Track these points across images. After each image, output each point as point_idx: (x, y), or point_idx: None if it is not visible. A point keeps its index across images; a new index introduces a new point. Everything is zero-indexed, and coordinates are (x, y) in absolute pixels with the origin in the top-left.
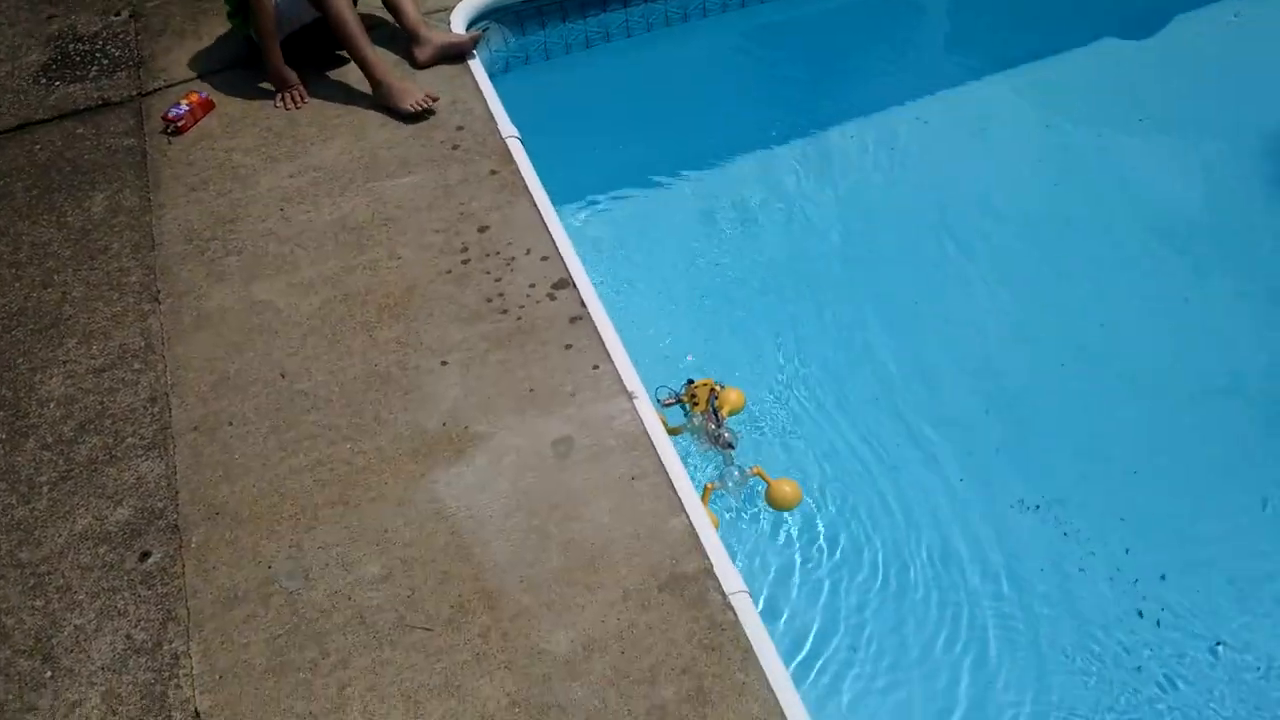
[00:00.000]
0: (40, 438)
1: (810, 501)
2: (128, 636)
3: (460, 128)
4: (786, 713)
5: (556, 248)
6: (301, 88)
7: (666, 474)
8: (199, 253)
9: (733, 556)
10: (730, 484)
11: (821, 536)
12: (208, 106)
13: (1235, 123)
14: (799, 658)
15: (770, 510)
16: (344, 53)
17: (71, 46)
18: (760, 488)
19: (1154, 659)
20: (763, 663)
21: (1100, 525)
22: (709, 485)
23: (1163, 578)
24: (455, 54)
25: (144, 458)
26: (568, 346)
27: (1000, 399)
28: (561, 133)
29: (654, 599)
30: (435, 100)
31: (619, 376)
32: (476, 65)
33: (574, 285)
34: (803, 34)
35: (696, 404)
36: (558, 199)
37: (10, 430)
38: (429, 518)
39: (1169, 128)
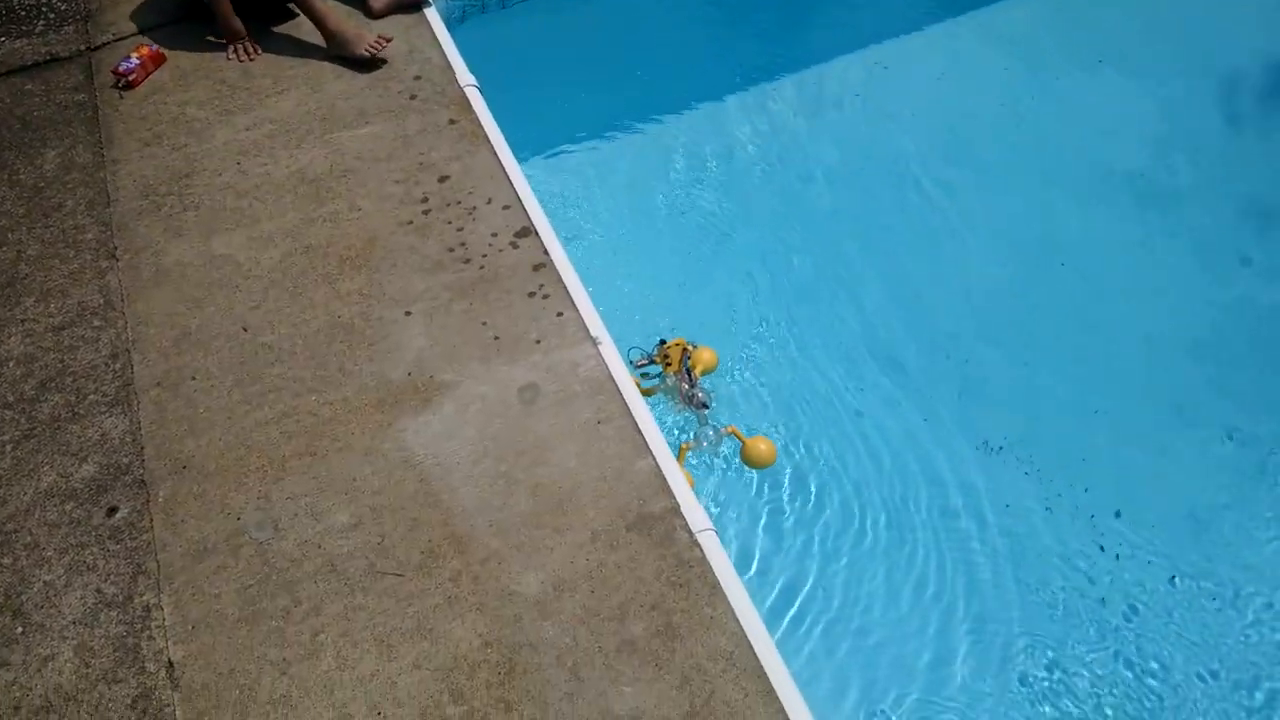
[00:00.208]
0: (1, 396)
1: (777, 447)
2: (98, 591)
3: (418, 77)
4: (754, 645)
5: (518, 196)
6: (253, 38)
7: (632, 417)
8: (155, 208)
9: (699, 497)
10: (705, 444)
11: (788, 479)
12: (159, 60)
13: (1193, 63)
14: (769, 600)
15: (746, 468)
16: (293, 4)
17: (16, 1)
18: (736, 446)
19: (1116, 591)
20: (730, 597)
21: (1062, 465)
22: (684, 445)
23: (1118, 514)
24: (411, 3)
25: (107, 414)
26: (531, 294)
27: (963, 343)
28: (520, 82)
29: (622, 539)
30: (388, 41)
31: (583, 323)
32: (433, 14)
33: (536, 234)
34: None
35: (669, 364)
36: (518, 148)
37: None
38: (397, 466)
39: (1127, 69)
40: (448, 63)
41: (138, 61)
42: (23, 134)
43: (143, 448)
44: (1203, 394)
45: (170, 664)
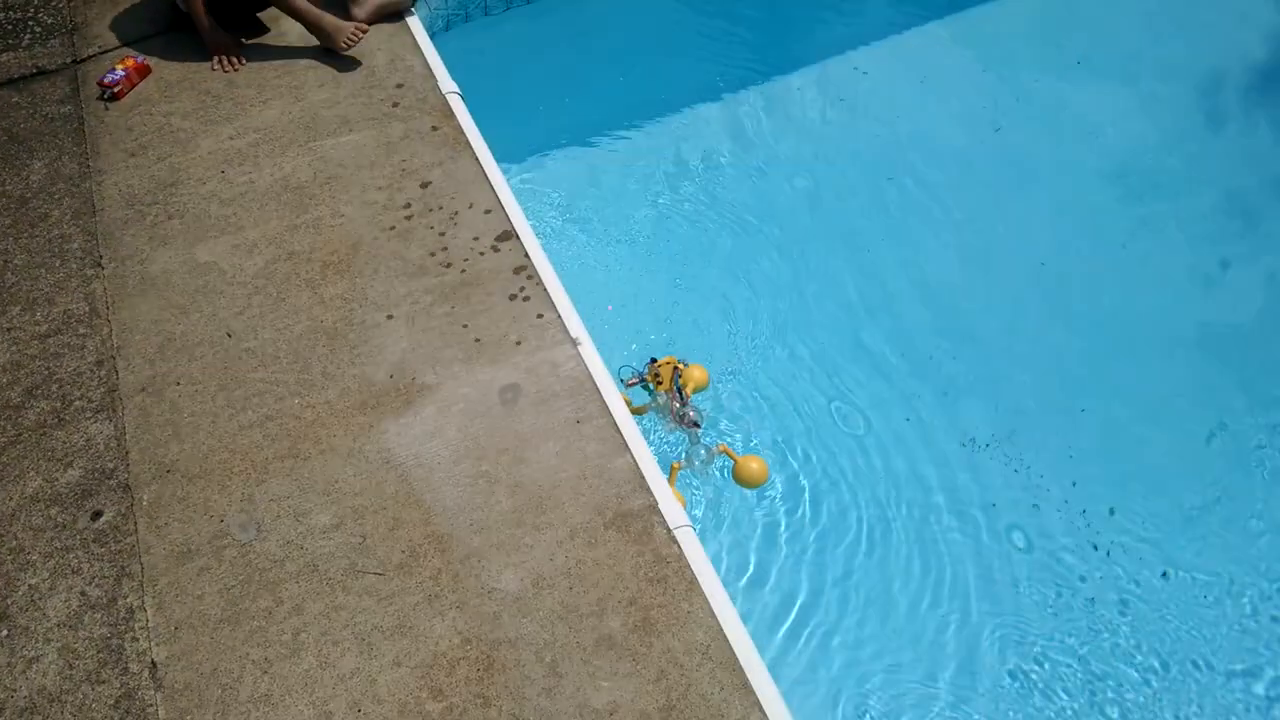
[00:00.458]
0: None
1: (762, 446)
2: (82, 593)
3: (400, 85)
4: (730, 639)
5: (499, 201)
6: (237, 50)
7: (611, 416)
8: (140, 217)
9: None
10: (697, 463)
11: (773, 479)
12: (144, 71)
13: (1172, 62)
14: (761, 600)
15: (739, 487)
16: (278, 6)
17: (2, 15)
18: (728, 465)
19: (1107, 587)
20: (707, 593)
21: (1049, 461)
22: (675, 464)
23: (1111, 512)
24: (393, 11)
25: (93, 420)
26: (512, 297)
27: (947, 341)
28: (505, 89)
29: (601, 536)
30: (365, 32)
31: (563, 324)
32: (415, 23)
33: (517, 237)
34: None
35: (660, 383)
36: (501, 154)
37: None
38: (378, 467)
39: (1105, 70)
40: (430, 70)
41: (123, 73)
42: (9, 146)
43: (127, 452)
44: (1189, 389)
45: (153, 664)
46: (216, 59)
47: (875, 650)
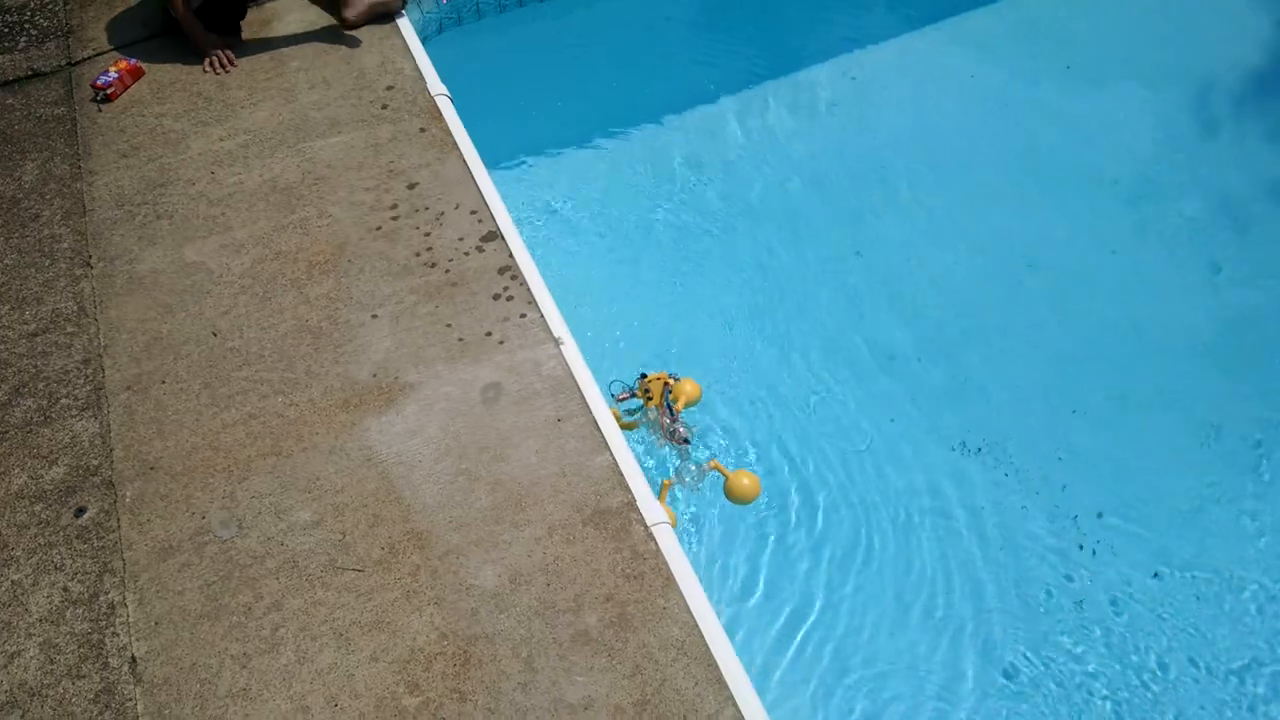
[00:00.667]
0: None
1: (752, 451)
2: (64, 589)
3: (390, 87)
4: (705, 634)
5: (485, 202)
6: (229, 51)
7: (592, 414)
8: (130, 217)
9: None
10: (687, 479)
11: (751, 463)
12: (137, 73)
13: (1161, 68)
14: (751, 601)
15: (731, 504)
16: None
17: None
18: (719, 482)
19: (1096, 588)
20: (683, 589)
21: (1040, 464)
22: (665, 481)
23: (1099, 515)
24: (384, 12)
25: (78, 418)
26: (496, 296)
27: (938, 345)
28: (496, 92)
29: (579, 533)
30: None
31: (546, 323)
32: (405, 25)
33: (502, 237)
34: None
35: (651, 398)
36: (491, 156)
37: None
38: (360, 464)
39: (1096, 75)
40: (419, 73)
41: (116, 75)
42: (3, 147)
43: (112, 450)
44: (1181, 391)
45: (133, 659)
46: (208, 60)
47: (865, 650)
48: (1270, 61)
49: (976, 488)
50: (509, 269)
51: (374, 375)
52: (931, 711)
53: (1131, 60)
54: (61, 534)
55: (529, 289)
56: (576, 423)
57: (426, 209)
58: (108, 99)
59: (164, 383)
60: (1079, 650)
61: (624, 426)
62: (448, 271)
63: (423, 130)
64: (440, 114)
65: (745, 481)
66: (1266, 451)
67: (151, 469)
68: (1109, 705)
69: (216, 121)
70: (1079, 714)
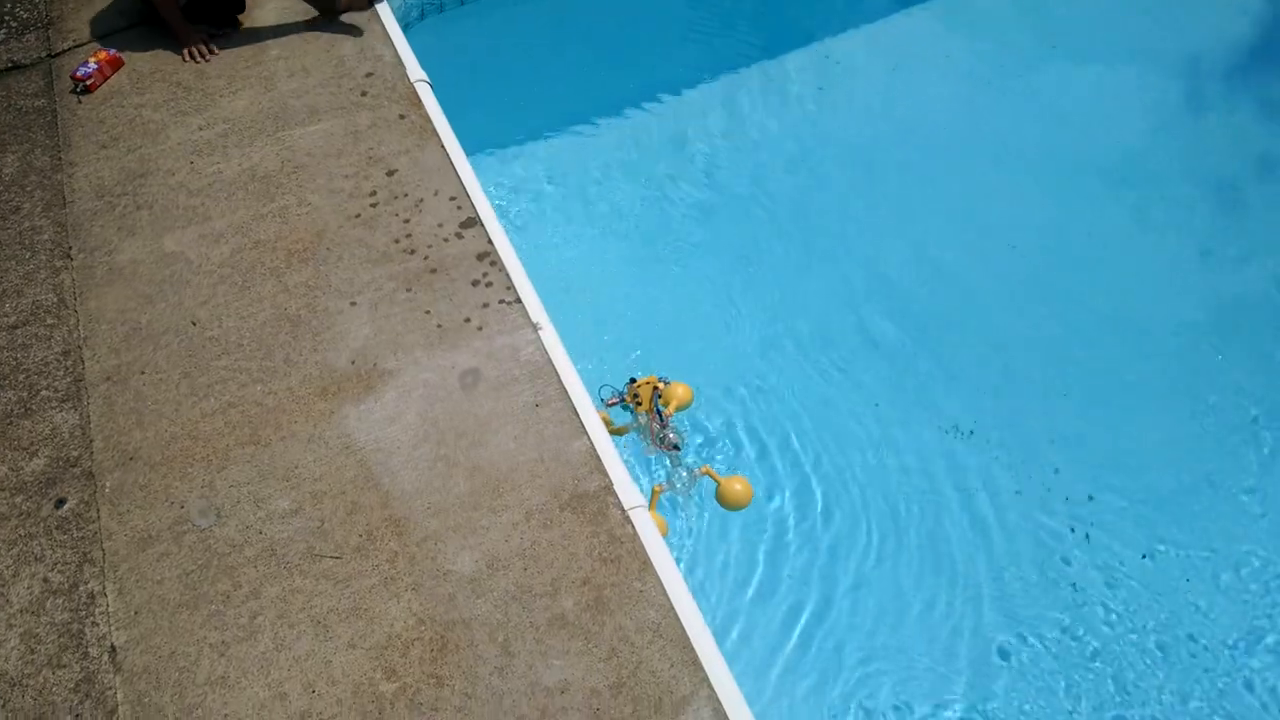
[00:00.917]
0: None
1: (742, 436)
2: (45, 580)
3: (370, 74)
4: (681, 616)
5: (464, 188)
6: (208, 41)
7: (570, 400)
8: (110, 208)
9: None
10: (678, 485)
11: (755, 469)
12: (116, 64)
13: (1145, 45)
14: (750, 590)
15: (723, 509)
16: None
17: None
18: (710, 488)
19: (1090, 568)
20: (659, 572)
21: (1031, 448)
22: (656, 488)
23: (1090, 498)
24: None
25: (58, 409)
26: (475, 282)
27: (926, 330)
28: (477, 77)
29: (556, 517)
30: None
31: (525, 309)
32: (385, 12)
33: (481, 223)
34: None
35: (640, 403)
36: (474, 141)
37: None
38: (338, 452)
39: (1079, 54)
40: (399, 59)
41: (95, 66)
42: None
43: (92, 441)
44: (1173, 372)
45: (113, 648)
46: (188, 50)
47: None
48: (1256, 34)
49: (968, 470)
50: (488, 255)
51: (353, 363)
52: (927, 693)
53: (1116, 37)
54: (42, 525)
55: (508, 275)
56: (554, 408)
57: (406, 196)
58: (87, 90)
59: (143, 373)
60: (1078, 629)
61: (613, 432)
62: (427, 258)
63: (402, 117)
64: (420, 100)
65: (737, 487)
66: (1262, 428)
67: (131, 459)
68: (1110, 683)
69: (196, 111)
70: (1079, 691)
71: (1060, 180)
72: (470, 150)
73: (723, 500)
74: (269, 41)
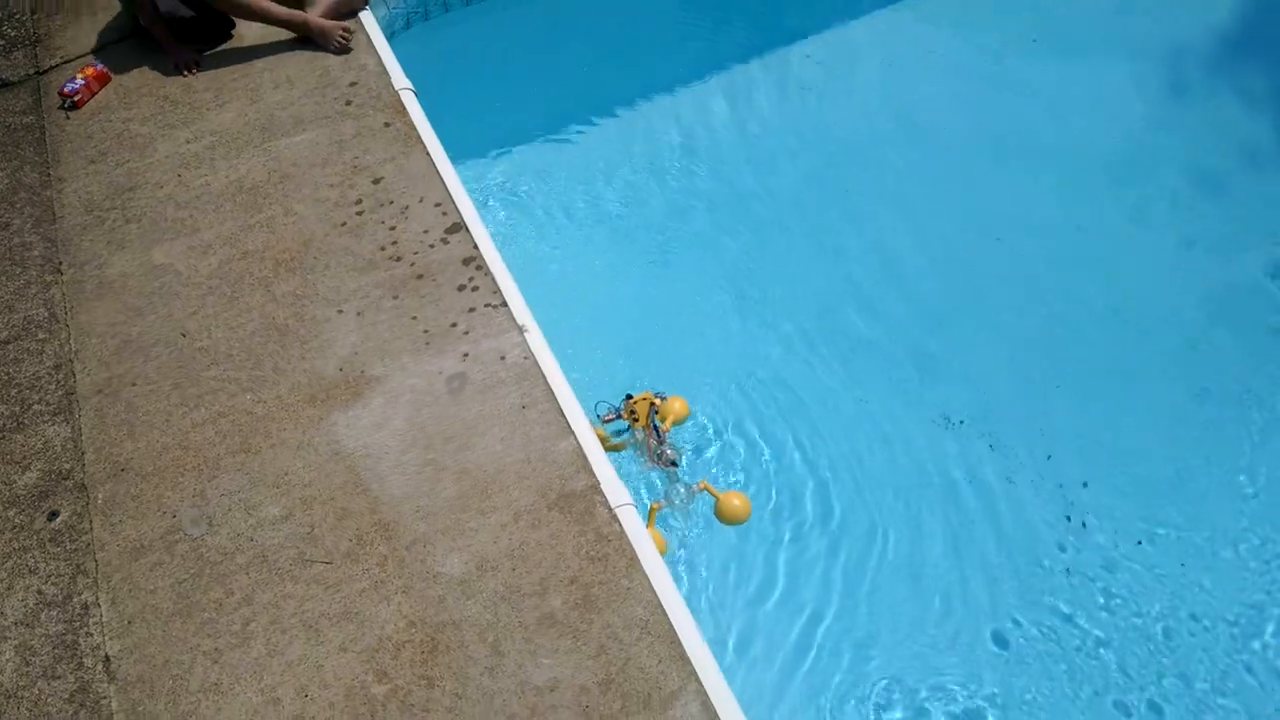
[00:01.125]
0: None
1: (729, 429)
2: (39, 592)
3: (354, 84)
4: (668, 612)
5: (450, 194)
6: (194, 55)
7: (556, 400)
8: (99, 222)
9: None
10: (677, 501)
11: (740, 460)
12: (104, 79)
13: (1128, 36)
14: (751, 586)
15: (723, 525)
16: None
17: None
18: (710, 503)
19: (1083, 556)
20: (646, 569)
21: (1024, 437)
22: (654, 505)
23: (1085, 485)
24: (348, 10)
25: (50, 422)
26: (461, 287)
27: (917, 321)
28: (464, 84)
29: (544, 517)
30: (351, 34)
31: (511, 312)
32: (370, 21)
33: (467, 229)
34: None
35: (637, 420)
36: (461, 147)
37: None
38: (328, 459)
39: (1063, 46)
40: (383, 68)
41: (83, 82)
42: None
43: (84, 453)
44: (1163, 360)
45: (107, 658)
46: (174, 64)
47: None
48: (1238, 23)
49: (960, 461)
50: (474, 260)
51: (340, 370)
52: (928, 682)
53: (1098, 30)
54: (35, 538)
55: (493, 279)
56: (541, 409)
57: (391, 203)
58: (75, 106)
59: (134, 385)
60: (1078, 615)
61: (610, 448)
62: (413, 264)
63: (387, 125)
64: (404, 108)
65: (736, 502)
66: (1254, 412)
67: (123, 470)
68: (1113, 665)
69: (183, 124)
70: (1081, 676)
71: (1048, 173)
72: (456, 156)
73: (722, 516)
74: (254, 54)
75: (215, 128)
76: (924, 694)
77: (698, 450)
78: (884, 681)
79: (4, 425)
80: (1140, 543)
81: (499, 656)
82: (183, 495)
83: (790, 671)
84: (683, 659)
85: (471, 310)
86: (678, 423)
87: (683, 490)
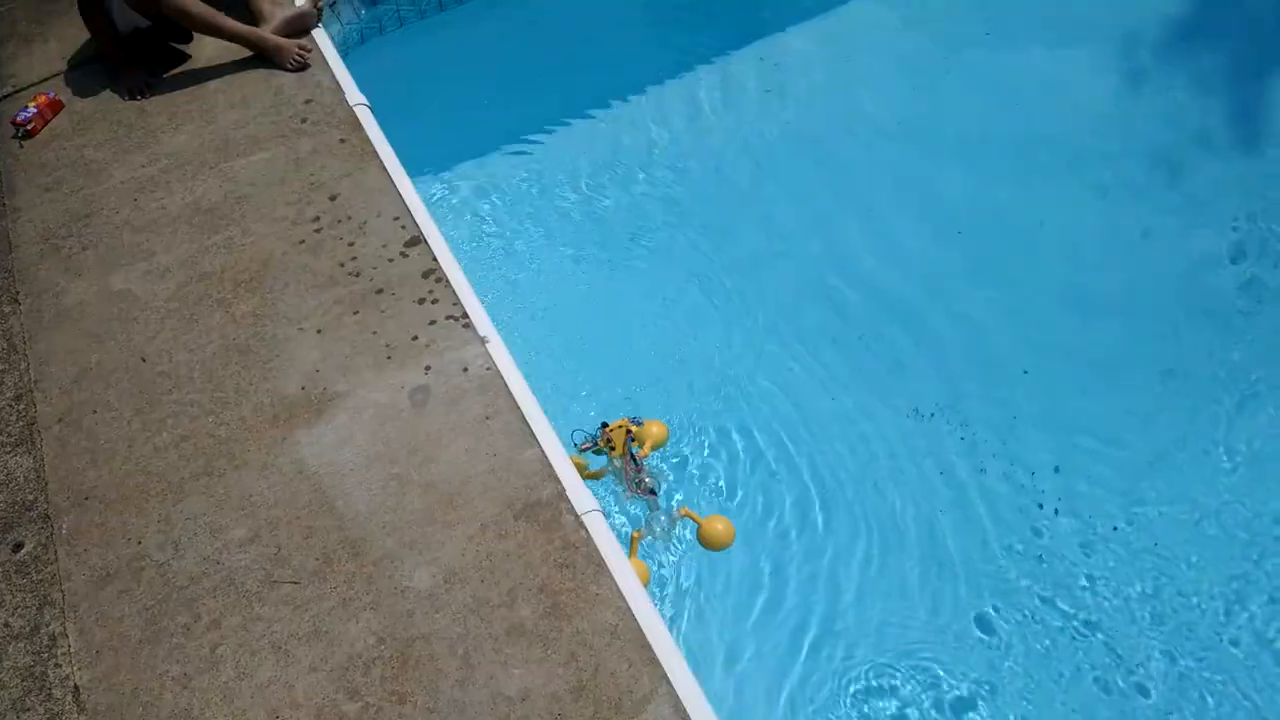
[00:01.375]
0: None
1: (699, 429)
2: (5, 625)
3: (309, 101)
4: (638, 617)
5: (407, 207)
6: (146, 78)
7: (519, 410)
8: (55, 250)
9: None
10: (658, 529)
11: (708, 457)
12: (56, 106)
13: (1079, 29)
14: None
15: (705, 550)
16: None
17: None
18: (692, 529)
19: (1056, 543)
20: (615, 574)
21: (996, 426)
22: (635, 533)
23: (1057, 470)
24: (301, 29)
25: (12, 454)
26: (421, 300)
27: (884, 313)
28: (422, 97)
29: (511, 527)
30: (308, 51)
31: (472, 323)
32: (323, 37)
33: (426, 241)
34: None
35: (614, 449)
36: (419, 161)
37: None
38: (292, 478)
39: (1014, 39)
40: (338, 84)
41: (35, 110)
42: None
43: (46, 483)
44: (1129, 344)
45: (76, 689)
46: (126, 89)
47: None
48: (1189, 8)
49: (932, 452)
50: (433, 272)
51: (303, 388)
52: (912, 673)
53: (1051, 19)
54: (0, 571)
55: (454, 291)
56: (504, 419)
57: (349, 219)
58: (29, 135)
59: (95, 412)
60: (1059, 599)
61: (588, 477)
62: (372, 280)
63: (343, 141)
64: (360, 124)
65: (719, 527)
66: (1223, 391)
67: (86, 499)
68: (1103, 646)
69: (138, 148)
70: (1066, 660)
71: (1007, 165)
72: (414, 169)
73: (705, 541)
74: (208, 75)
75: (170, 150)
76: (909, 684)
77: (666, 457)
78: (868, 672)
79: None
80: (1116, 528)
81: (469, 669)
82: (148, 521)
83: (776, 669)
84: (653, 662)
85: (433, 323)
86: (656, 447)
87: (664, 518)
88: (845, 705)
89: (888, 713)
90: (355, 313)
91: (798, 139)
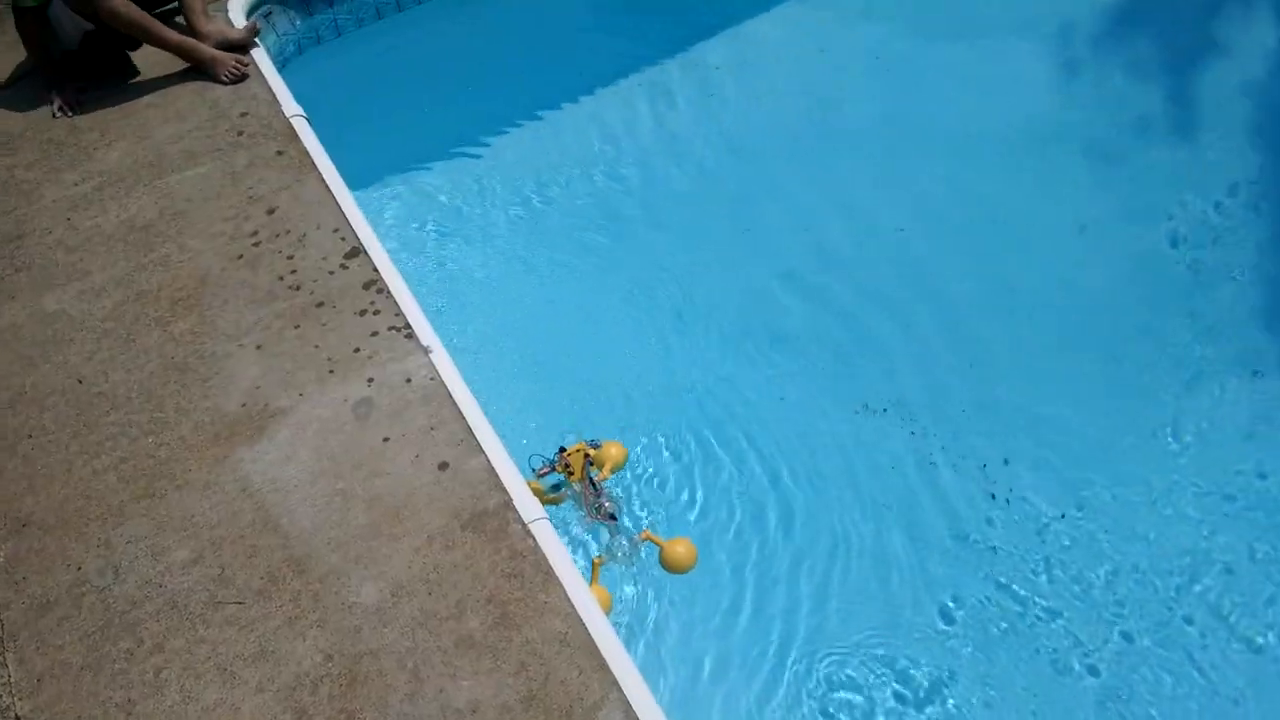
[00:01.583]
0: None
1: (650, 433)
2: None
3: (245, 114)
4: (587, 624)
5: (346, 219)
6: (76, 95)
7: (464, 420)
8: None
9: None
10: (620, 554)
11: (663, 461)
12: None
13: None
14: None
15: (667, 572)
16: (156, 46)
17: None
18: (654, 553)
19: (1008, 534)
20: (563, 582)
21: (945, 419)
22: (596, 559)
23: (1006, 462)
24: (239, 45)
25: None
26: (362, 312)
27: (830, 314)
28: (361, 106)
29: (457, 538)
30: (246, 65)
31: (415, 334)
32: (258, 49)
33: (366, 253)
34: None
35: (572, 474)
36: (359, 171)
37: None
38: (235, 497)
39: (953, 32)
40: (274, 96)
41: None
42: None
43: None
44: (1073, 333)
45: (18, 718)
46: (56, 104)
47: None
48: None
49: (883, 448)
50: (374, 283)
51: (244, 405)
52: (874, 664)
53: (990, 12)
54: None
55: (395, 301)
56: (449, 430)
57: (288, 232)
58: None
59: (31, 437)
60: (1016, 584)
61: (547, 502)
62: (313, 293)
63: (280, 153)
64: (297, 135)
65: (681, 550)
66: (1167, 375)
67: (24, 526)
68: (1062, 631)
69: (70, 166)
70: (1025, 645)
71: (946, 159)
72: (355, 180)
73: (666, 564)
74: (141, 90)
75: (104, 168)
76: (870, 676)
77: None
78: (829, 667)
79: None
80: (1063, 515)
81: (419, 682)
82: (88, 546)
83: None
84: (603, 668)
85: (375, 334)
86: (616, 469)
87: (625, 543)
88: (807, 702)
89: (851, 704)
90: (296, 327)
91: (740, 141)
